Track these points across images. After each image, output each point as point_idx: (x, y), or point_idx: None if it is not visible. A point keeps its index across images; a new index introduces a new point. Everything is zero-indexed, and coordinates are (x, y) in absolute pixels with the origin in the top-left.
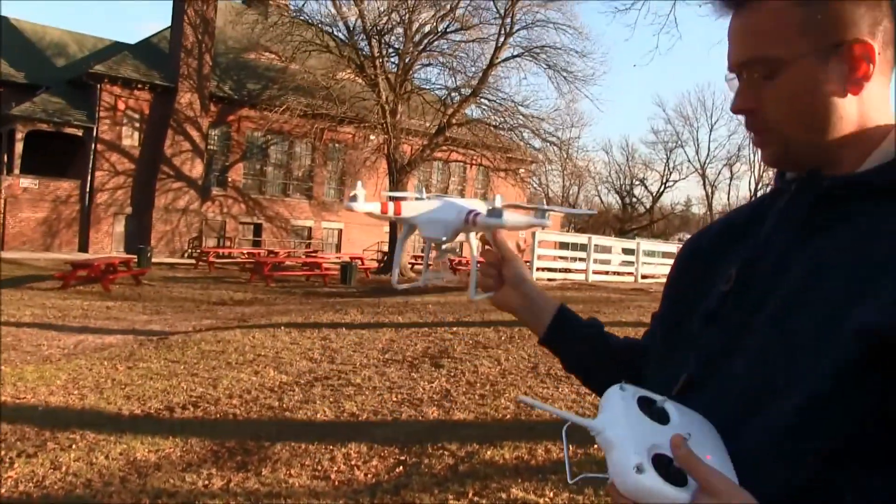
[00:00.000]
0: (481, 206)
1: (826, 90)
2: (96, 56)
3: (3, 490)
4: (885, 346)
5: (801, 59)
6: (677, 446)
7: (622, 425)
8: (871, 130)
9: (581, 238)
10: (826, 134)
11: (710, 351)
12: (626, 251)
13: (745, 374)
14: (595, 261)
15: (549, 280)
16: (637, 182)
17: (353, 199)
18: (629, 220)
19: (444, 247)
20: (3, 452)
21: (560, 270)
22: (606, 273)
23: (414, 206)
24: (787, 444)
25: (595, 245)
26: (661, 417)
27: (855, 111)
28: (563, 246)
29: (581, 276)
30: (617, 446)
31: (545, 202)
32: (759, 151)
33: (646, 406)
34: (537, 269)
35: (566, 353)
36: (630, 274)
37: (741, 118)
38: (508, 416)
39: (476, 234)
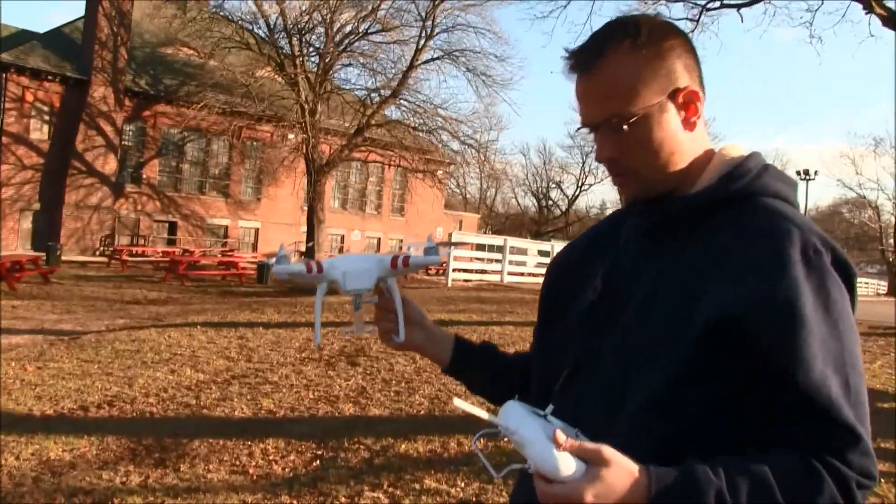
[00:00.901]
0: (385, 257)
1: (669, 133)
2: (1, 44)
3: None
4: (721, 332)
5: (647, 111)
6: (560, 440)
7: (531, 425)
8: (703, 155)
9: (497, 240)
10: (674, 169)
11: (584, 350)
12: (542, 253)
13: (613, 367)
14: (510, 262)
15: (465, 281)
16: (553, 185)
17: (280, 261)
18: (545, 222)
19: (364, 298)
20: None
21: (476, 272)
22: (521, 274)
23: (330, 262)
24: (649, 421)
25: (511, 247)
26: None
27: (692, 144)
28: (480, 247)
29: (497, 277)
30: (533, 441)
31: (464, 204)
32: (621, 190)
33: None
34: (453, 270)
35: (470, 378)
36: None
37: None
38: (423, 412)
39: (396, 277)
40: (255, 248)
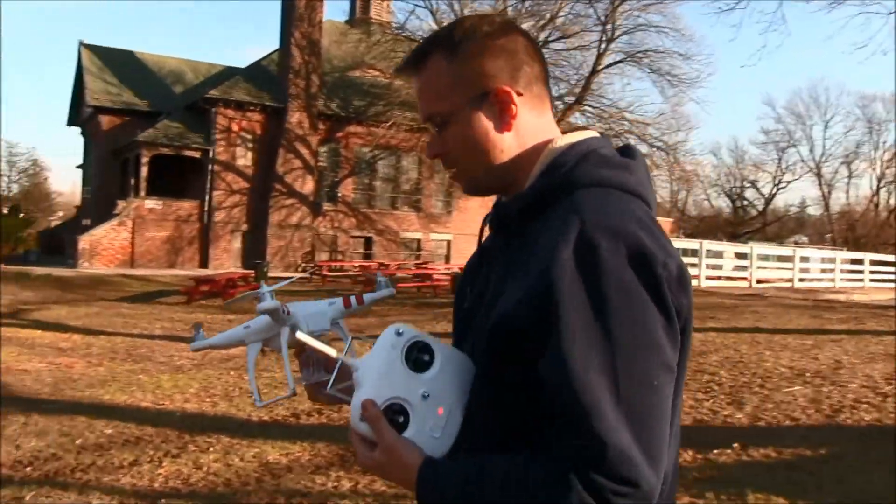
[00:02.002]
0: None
1: (483, 132)
2: (210, 81)
3: (156, 485)
4: (499, 337)
5: (458, 111)
6: (365, 409)
7: (374, 371)
8: (532, 152)
9: (692, 243)
10: (494, 165)
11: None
12: (739, 255)
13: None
14: (707, 266)
15: None
16: (748, 184)
17: (263, 297)
18: (741, 223)
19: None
20: (152, 452)
21: None
22: (719, 278)
23: (291, 307)
24: (469, 426)
25: (707, 250)
26: (422, 366)
27: (514, 142)
28: None
29: (693, 282)
30: (360, 388)
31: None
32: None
33: (415, 351)
34: None
35: None
36: (744, 279)
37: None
38: None
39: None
40: (447, 259)
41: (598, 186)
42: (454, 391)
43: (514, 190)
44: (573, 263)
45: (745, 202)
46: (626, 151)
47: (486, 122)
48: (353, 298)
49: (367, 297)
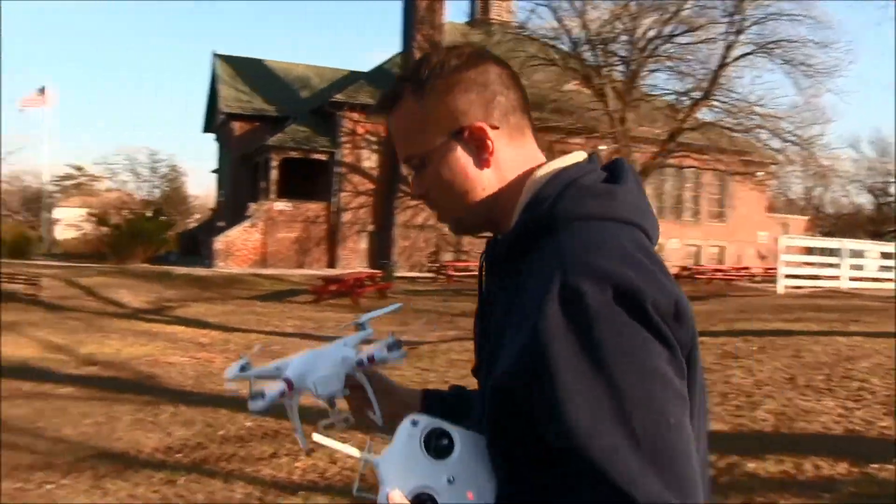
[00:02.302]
0: (347, 348)
1: (461, 171)
2: (335, 86)
3: (294, 477)
4: (499, 396)
5: (433, 152)
6: (391, 501)
7: (396, 464)
8: (514, 185)
9: (831, 242)
10: (476, 203)
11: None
12: (885, 255)
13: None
14: (849, 266)
15: (797, 288)
16: (893, 179)
17: (255, 398)
18: (884, 221)
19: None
20: (289, 446)
21: (808, 277)
22: (862, 279)
23: (296, 370)
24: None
25: (848, 249)
26: (443, 452)
27: (495, 178)
28: (812, 251)
29: (833, 283)
30: (384, 484)
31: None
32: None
33: (434, 438)
34: (784, 277)
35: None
36: (891, 280)
37: None
38: (768, 429)
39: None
40: None
41: (582, 220)
42: (479, 472)
43: (503, 225)
44: (560, 315)
45: (890, 198)
46: (614, 173)
47: (463, 161)
48: (364, 358)
49: (378, 356)
